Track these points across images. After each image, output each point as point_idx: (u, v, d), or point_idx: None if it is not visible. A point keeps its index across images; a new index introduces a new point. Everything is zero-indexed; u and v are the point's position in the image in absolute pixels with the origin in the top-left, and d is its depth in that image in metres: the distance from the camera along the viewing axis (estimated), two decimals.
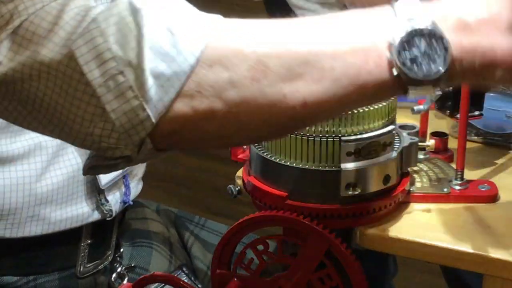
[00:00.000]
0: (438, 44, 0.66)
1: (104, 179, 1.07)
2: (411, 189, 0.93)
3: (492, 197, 0.93)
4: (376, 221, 0.89)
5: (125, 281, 1.12)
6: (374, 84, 0.67)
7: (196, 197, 2.59)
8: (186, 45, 0.67)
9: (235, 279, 0.89)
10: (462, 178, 0.94)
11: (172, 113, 0.67)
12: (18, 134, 1.02)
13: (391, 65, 0.66)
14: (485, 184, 0.94)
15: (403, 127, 0.94)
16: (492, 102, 1.08)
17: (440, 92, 0.99)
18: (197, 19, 0.69)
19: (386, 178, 0.88)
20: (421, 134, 1.01)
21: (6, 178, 1.01)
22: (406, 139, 0.92)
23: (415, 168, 0.97)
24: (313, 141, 0.86)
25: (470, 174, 0.96)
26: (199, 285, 1.15)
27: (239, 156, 1.00)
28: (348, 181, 0.86)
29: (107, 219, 1.09)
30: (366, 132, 0.86)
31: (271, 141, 0.88)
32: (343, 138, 0.85)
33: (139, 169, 1.17)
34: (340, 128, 0.85)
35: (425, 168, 0.99)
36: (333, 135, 0.85)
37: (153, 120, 0.67)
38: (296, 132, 0.86)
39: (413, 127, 0.94)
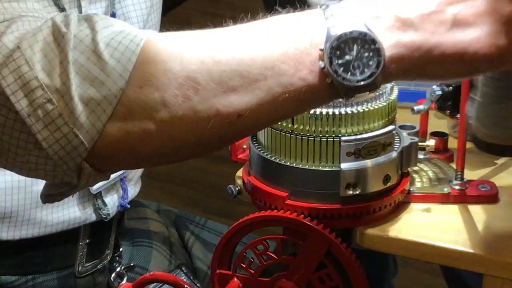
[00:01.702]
0: (370, 48, 0.65)
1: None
2: (411, 189, 0.93)
3: (492, 197, 0.93)
4: (376, 221, 0.89)
5: (124, 281, 1.12)
6: (308, 90, 0.66)
7: (197, 197, 2.59)
8: (115, 67, 0.66)
9: (235, 279, 0.89)
10: (462, 178, 0.94)
11: (106, 138, 0.67)
12: None
13: (323, 72, 0.65)
14: (485, 184, 0.94)
15: (403, 127, 0.94)
16: None
17: (440, 92, 0.99)
18: (125, 38, 0.67)
19: (386, 178, 0.88)
20: (421, 134, 1.01)
21: (2, 181, 1.01)
22: (406, 139, 0.92)
23: (415, 168, 0.97)
24: (313, 141, 0.86)
25: (470, 174, 0.96)
26: (198, 285, 1.15)
27: (239, 156, 1.00)
28: (348, 181, 0.86)
29: (105, 220, 1.09)
30: (366, 132, 0.86)
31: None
32: (343, 138, 0.85)
33: (135, 172, 1.17)
34: (340, 128, 0.85)
35: (425, 168, 0.99)
36: (333, 135, 0.85)
37: (87, 145, 0.66)
38: (295, 133, 0.86)
39: (413, 127, 0.94)
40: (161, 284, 1.05)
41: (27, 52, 0.66)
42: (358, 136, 0.85)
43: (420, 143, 0.95)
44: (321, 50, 0.65)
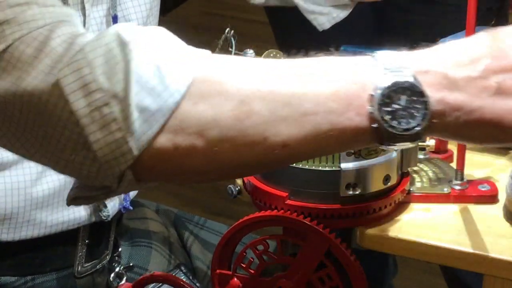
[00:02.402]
0: (418, 100, 0.67)
1: None
2: (411, 189, 0.93)
3: (492, 197, 0.93)
4: (376, 221, 0.89)
5: (123, 281, 1.12)
6: (352, 131, 0.67)
7: (196, 197, 2.59)
8: (173, 81, 0.67)
9: (235, 279, 0.89)
10: (462, 178, 0.94)
11: (154, 148, 0.68)
12: None
13: (371, 117, 0.67)
14: (485, 184, 0.94)
15: None
16: None
17: None
18: (185, 55, 0.69)
19: (386, 178, 0.88)
20: None
21: (1, 183, 1.01)
22: None
23: (415, 168, 0.97)
24: None
25: (470, 174, 0.96)
26: (198, 285, 1.15)
27: None
28: (348, 181, 0.86)
29: (105, 221, 1.09)
30: None
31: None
32: None
33: None
34: None
35: (425, 168, 0.98)
36: None
37: (135, 153, 0.67)
38: None
39: None
40: (161, 284, 1.05)
41: (89, 55, 0.67)
42: None
43: (420, 143, 0.95)
44: (371, 95, 0.67)
